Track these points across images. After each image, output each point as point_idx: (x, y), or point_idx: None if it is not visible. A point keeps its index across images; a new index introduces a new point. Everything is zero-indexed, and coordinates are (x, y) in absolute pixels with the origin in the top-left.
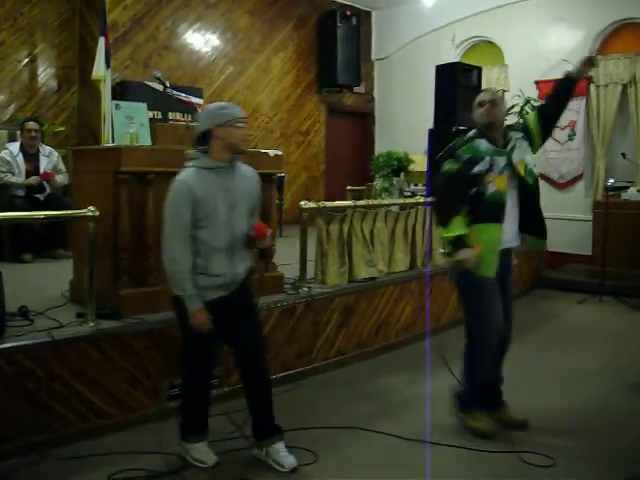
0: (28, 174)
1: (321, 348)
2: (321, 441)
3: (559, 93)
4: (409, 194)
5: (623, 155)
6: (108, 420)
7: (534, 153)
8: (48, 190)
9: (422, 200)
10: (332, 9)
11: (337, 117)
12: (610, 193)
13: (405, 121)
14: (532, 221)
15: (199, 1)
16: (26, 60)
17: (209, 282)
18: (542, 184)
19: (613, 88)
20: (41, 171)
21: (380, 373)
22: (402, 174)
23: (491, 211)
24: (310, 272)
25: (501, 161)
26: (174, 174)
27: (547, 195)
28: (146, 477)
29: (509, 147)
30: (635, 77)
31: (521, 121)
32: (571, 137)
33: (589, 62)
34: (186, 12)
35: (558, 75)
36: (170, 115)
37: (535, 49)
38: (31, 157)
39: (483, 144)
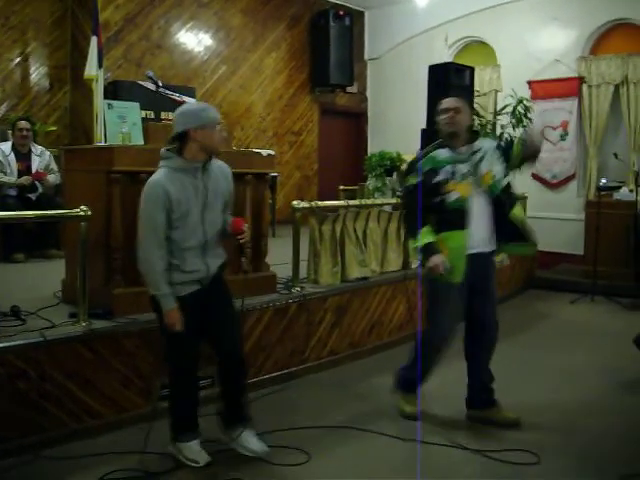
0: (20, 174)
1: (314, 348)
2: (314, 441)
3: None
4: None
5: (615, 155)
6: (101, 420)
7: (506, 175)
8: (40, 190)
9: None
10: (325, 9)
11: (330, 117)
12: (602, 193)
13: (398, 121)
14: (503, 228)
15: (192, 0)
16: (18, 59)
17: (184, 278)
18: (534, 184)
19: (605, 88)
20: (33, 171)
21: (373, 373)
22: (395, 174)
23: (455, 218)
24: (303, 272)
25: (463, 168)
26: None
27: (539, 195)
28: (139, 477)
29: (478, 155)
30: (627, 77)
31: (508, 138)
32: (563, 137)
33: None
34: (179, 11)
35: (551, 75)
36: (163, 115)
37: (528, 49)
38: (23, 157)
39: (443, 153)
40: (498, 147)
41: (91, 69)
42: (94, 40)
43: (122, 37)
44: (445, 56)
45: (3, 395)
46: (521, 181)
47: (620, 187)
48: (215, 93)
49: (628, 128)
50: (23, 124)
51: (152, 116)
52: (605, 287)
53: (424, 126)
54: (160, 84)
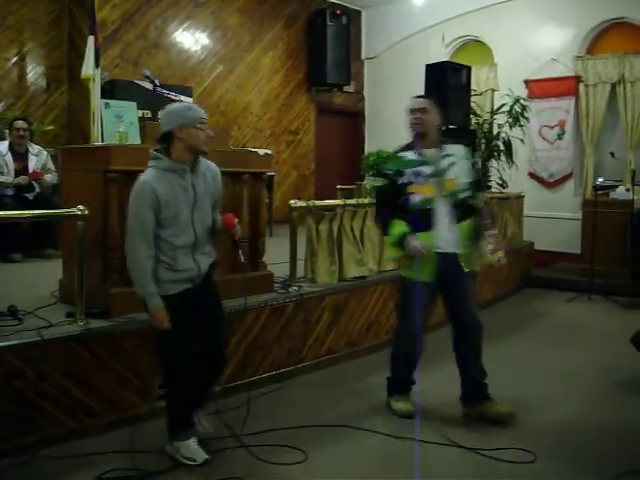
0: (17, 173)
1: (311, 347)
2: (310, 440)
3: None
4: None
5: (612, 154)
6: (98, 419)
7: (467, 190)
8: (37, 189)
9: None
10: (322, 8)
11: (327, 116)
12: (599, 192)
13: (395, 120)
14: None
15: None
16: (15, 59)
17: (175, 276)
18: (531, 183)
19: (602, 87)
20: (30, 170)
21: (370, 371)
22: None
23: (420, 219)
24: (300, 271)
25: (427, 169)
26: None
27: (537, 194)
28: (137, 476)
29: (447, 160)
30: (624, 76)
31: (479, 162)
32: (560, 136)
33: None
34: (176, 10)
35: (548, 74)
36: (159, 114)
37: (524, 48)
38: (20, 156)
39: (409, 155)
40: (473, 165)
41: (88, 68)
42: (91, 39)
43: (119, 36)
44: (442, 55)
45: (1, 395)
46: (518, 180)
47: (617, 186)
48: (212, 92)
49: (625, 127)
50: (20, 124)
51: (149, 115)
52: (602, 286)
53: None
54: (157, 83)
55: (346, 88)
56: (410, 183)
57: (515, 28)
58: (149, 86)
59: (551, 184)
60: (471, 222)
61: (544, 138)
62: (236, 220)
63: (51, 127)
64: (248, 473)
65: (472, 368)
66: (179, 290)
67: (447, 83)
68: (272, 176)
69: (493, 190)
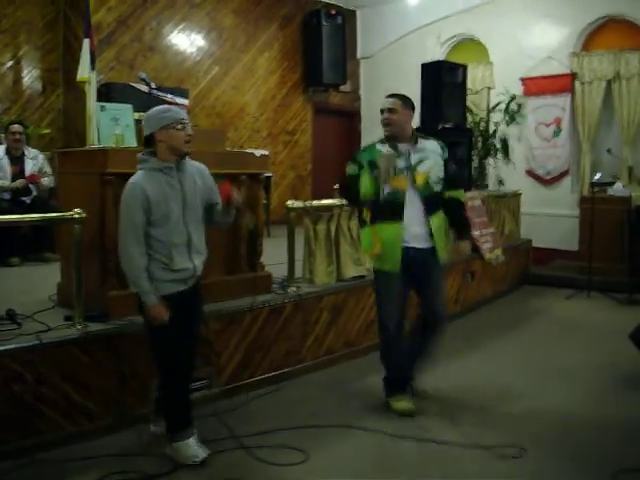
0: (14, 177)
1: (310, 347)
2: (311, 440)
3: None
4: None
5: (608, 151)
6: (98, 422)
7: (439, 184)
8: (34, 193)
9: None
10: (317, 8)
11: (323, 116)
12: (596, 189)
13: None
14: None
15: (184, 1)
16: (10, 62)
17: (172, 276)
18: (528, 181)
19: (598, 84)
20: (26, 174)
21: (369, 372)
22: None
23: (388, 210)
24: (298, 272)
25: (400, 163)
26: None
27: (534, 191)
28: (137, 479)
29: (418, 155)
30: (619, 73)
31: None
32: (557, 133)
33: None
34: (171, 12)
35: (543, 72)
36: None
37: (520, 46)
38: (16, 160)
39: (384, 147)
40: (445, 162)
41: (83, 71)
42: (86, 42)
43: (114, 39)
44: (437, 54)
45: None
46: (515, 177)
47: (614, 182)
48: (208, 94)
49: (621, 123)
50: (16, 128)
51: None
52: (600, 283)
53: (417, 124)
54: (153, 86)
55: (342, 88)
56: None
57: (510, 26)
58: (145, 88)
59: (548, 181)
60: (444, 215)
61: (540, 136)
62: (233, 187)
63: (47, 130)
64: (248, 474)
65: (422, 355)
66: (173, 291)
67: (443, 82)
68: (269, 177)
69: (490, 188)
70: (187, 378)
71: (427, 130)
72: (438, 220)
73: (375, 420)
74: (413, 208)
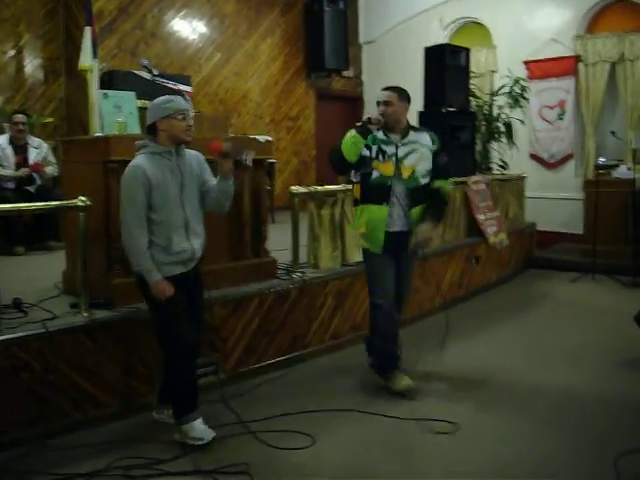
0: (17, 166)
1: (316, 332)
2: (318, 424)
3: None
4: None
5: (613, 133)
6: (105, 410)
7: (426, 177)
8: (38, 182)
9: None
10: None
11: (326, 102)
12: (600, 171)
13: None
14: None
15: None
16: (12, 52)
17: (170, 259)
18: (532, 164)
19: (602, 67)
20: (30, 163)
21: None
22: None
23: (374, 193)
24: (303, 257)
25: (389, 150)
26: None
27: (538, 175)
28: (145, 465)
29: (408, 147)
30: (623, 55)
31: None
32: (560, 116)
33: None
34: None
35: (547, 54)
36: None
37: (523, 29)
38: (20, 149)
39: (379, 134)
40: (435, 154)
41: (85, 60)
42: (88, 30)
43: (116, 27)
44: (440, 38)
45: (7, 386)
46: (519, 161)
47: (618, 165)
48: (211, 80)
49: (625, 106)
50: (19, 117)
51: (148, 105)
52: (605, 266)
53: (421, 108)
54: (155, 73)
55: (345, 73)
56: (372, 159)
57: (513, 9)
58: (147, 76)
59: (552, 165)
60: (423, 207)
61: (544, 119)
62: (220, 141)
63: (50, 119)
64: (255, 459)
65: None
66: (174, 273)
67: (446, 65)
68: (273, 163)
69: (494, 172)
70: (193, 360)
71: (430, 114)
72: (417, 211)
73: (381, 404)
74: (398, 195)
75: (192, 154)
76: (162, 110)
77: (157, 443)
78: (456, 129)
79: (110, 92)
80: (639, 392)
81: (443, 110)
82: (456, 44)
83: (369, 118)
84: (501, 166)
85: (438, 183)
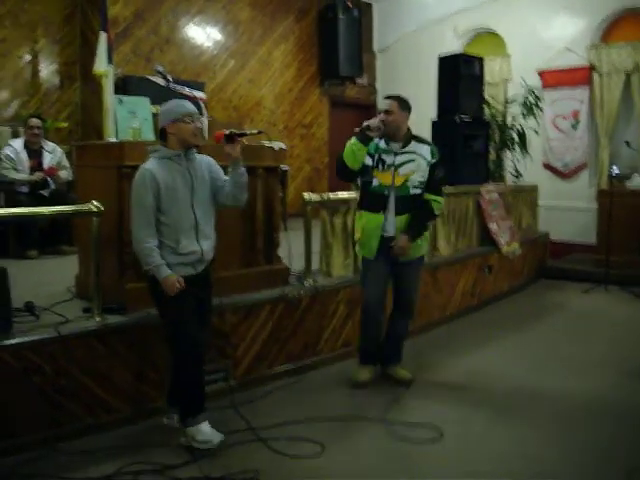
0: (32, 170)
1: (327, 340)
2: (328, 432)
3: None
4: None
5: (627, 143)
6: (115, 414)
7: (418, 188)
8: (52, 186)
9: None
10: (333, 1)
11: (340, 109)
12: (614, 182)
13: None
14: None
15: None
16: (28, 57)
17: (178, 260)
18: (546, 173)
19: (617, 77)
20: (44, 167)
21: None
22: None
23: (371, 201)
24: (315, 264)
25: (388, 159)
26: None
27: (551, 184)
28: (155, 471)
29: (405, 156)
30: (639, 65)
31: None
32: (574, 126)
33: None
34: (187, 5)
35: (561, 64)
36: None
37: (538, 38)
38: (34, 153)
39: (380, 142)
40: (432, 168)
41: (100, 65)
42: (103, 36)
43: (131, 32)
44: (455, 46)
45: (19, 389)
46: (532, 171)
47: (632, 175)
48: (225, 87)
49: (639, 116)
50: (34, 122)
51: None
52: (618, 276)
53: (434, 117)
54: (170, 79)
55: (359, 81)
56: (372, 167)
57: (528, 18)
58: (162, 82)
59: (566, 174)
60: (410, 216)
61: (558, 128)
62: (223, 131)
63: (65, 124)
64: (265, 466)
65: (393, 335)
66: (182, 274)
67: (460, 74)
68: (286, 170)
69: (508, 181)
70: (200, 361)
71: (444, 123)
72: (403, 220)
73: (393, 413)
74: (393, 202)
75: (203, 158)
76: (170, 114)
77: (167, 448)
78: (470, 138)
79: (125, 98)
80: None
81: (457, 119)
82: (470, 53)
83: (368, 125)
84: (514, 175)
85: (428, 196)
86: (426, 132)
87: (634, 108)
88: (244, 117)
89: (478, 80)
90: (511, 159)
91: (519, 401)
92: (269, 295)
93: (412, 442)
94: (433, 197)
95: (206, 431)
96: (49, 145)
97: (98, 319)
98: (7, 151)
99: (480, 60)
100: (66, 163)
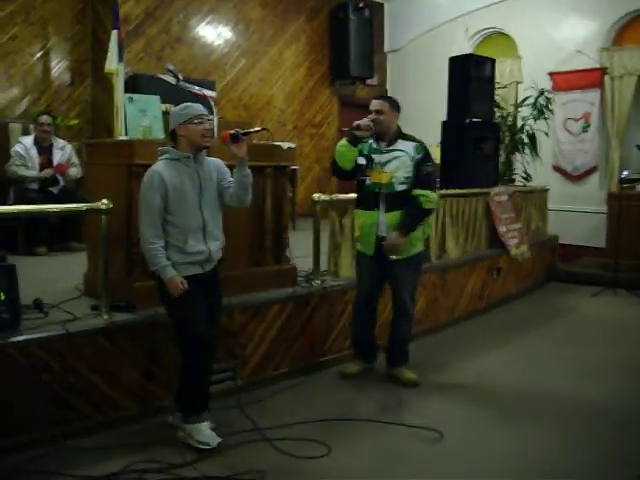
0: (42, 167)
1: (335, 340)
2: (334, 433)
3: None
4: None
5: (638, 147)
6: (123, 412)
7: (404, 184)
8: (62, 183)
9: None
10: (344, 1)
11: (350, 109)
12: (624, 185)
13: (418, 113)
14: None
15: None
16: (39, 54)
17: (185, 259)
18: (555, 176)
19: (628, 79)
20: (54, 164)
21: None
22: None
23: (365, 199)
24: (323, 265)
25: (377, 158)
26: None
27: (561, 187)
28: (161, 469)
29: (390, 155)
30: None
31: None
32: (585, 129)
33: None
34: (198, 4)
35: (572, 66)
36: None
37: (549, 40)
38: (45, 150)
39: (371, 142)
40: (416, 163)
41: (111, 63)
42: (114, 34)
43: (142, 31)
44: (466, 48)
45: (27, 386)
46: (542, 173)
47: None
48: (235, 86)
49: None
50: (45, 119)
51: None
52: (627, 280)
53: (445, 118)
54: (180, 77)
55: (369, 81)
56: (364, 167)
57: (539, 20)
58: (172, 80)
59: (576, 177)
60: (399, 213)
61: (569, 131)
62: (229, 132)
63: (75, 121)
64: (271, 466)
65: (398, 338)
66: (189, 273)
67: (471, 76)
68: (295, 170)
69: (517, 183)
70: (207, 358)
71: (454, 124)
72: (392, 217)
73: (399, 413)
74: (383, 200)
75: (211, 160)
76: (180, 117)
77: (173, 447)
78: (480, 140)
79: (135, 96)
80: None
81: (467, 121)
82: (481, 54)
83: (358, 124)
84: (524, 178)
85: (415, 192)
86: (436, 133)
87: None
88: (254, 116)
89: (489, 82)
90: (521, 161)
91: (524, 403)
92: (277, 295)
93: (417, 443)
94: (420, 192)
95: (206, 433)
96: (59, 142)
97: (106, 317)
98: (17, 148)
99: (491, 61)
100: (76, 160)
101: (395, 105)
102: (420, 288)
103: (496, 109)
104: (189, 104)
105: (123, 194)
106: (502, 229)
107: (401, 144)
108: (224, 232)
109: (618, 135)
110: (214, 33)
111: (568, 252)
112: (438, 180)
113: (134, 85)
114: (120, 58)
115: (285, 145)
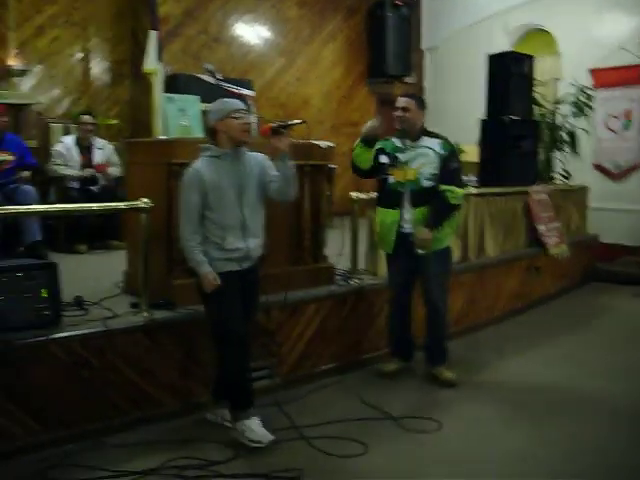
0: (82, 166)
1: (372, 339)
2: (372, 432)
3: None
4: None
5: None
6: (161, 409)
7: (431, 180)
8: (102, 182)
9: (474, 191)
10: None
11: (387, 108)
12: None
13: (456, 111)
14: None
15: None
16: (79, 55)
17: (224, 255)
18: (595, 174)
19: None
20: (94, 163)
21: None
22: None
23: (387, 198)
24: (361, 263)
25: (401, 156)
26: None
27: (602, 185)
28: (199, 466)
29: (416, 152)
30: None
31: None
32: (627, 126)
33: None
34: (236, 4)
35: (614, 62)
36: None
37: (589, 36)
38: (85, 150)
39: (395, 141)
40: (443, 159)
41: (150, 63)
42: (153, 34)
43: (181, 31)
44: (504, 45)
45: (67, 382)
46: (582, 171)
47: None
48: (272, 85)
49: None
50: (87, 118)
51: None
52: None
53: (483, 116)
54: (219, 77)
55: (407, 79)
56: (387, 165)
57: (580, 16)
58: (211, 80)
59: (617, 176)
60: (426, 209)
61: (610, 128)
62: (269, 126)
63: (115, 121)
64: (309, 465)
65: (434, 337)
66: (226, 269)
67: (510, 73)
68: (333, 168)
69: (557, 182)
70: (245, 354)
71: (493, 122)
72: (419, 213)
73: (436, 413)
74: (408, 197)
75: (252, 156)
76: (218, 112)
77: (212, 444)
78: (519, 138)
79: (175, 96)
80: None
81: (506, 119)
82: (520, 51)
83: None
84: (564, 176)
85: (442, 187)
86: (475, 131)
87: None
88: (291, 115)
89: (528, 79)
90: (560, 159)
91: (558, 404)
92: (315, 293)
93: (450, 444)
94: (447, 187)
95: (258, 431)
96: (99, 142)
97: (145, 314)
98: (58, 147)
99: (530, 58)
100: (115, 160)
101: (421, 103)
102: (458, 287)
103: (535, 107)
104: (226, 99)
105: (163, 193)
106: (542, 228)
107: (426, 141)
108: (264, 231)
109: None
110: (252, 32)
111: (609, 251)
112: (472, 179)
113: (173, 85)
114: (159, 58)
115: (324, 144)
